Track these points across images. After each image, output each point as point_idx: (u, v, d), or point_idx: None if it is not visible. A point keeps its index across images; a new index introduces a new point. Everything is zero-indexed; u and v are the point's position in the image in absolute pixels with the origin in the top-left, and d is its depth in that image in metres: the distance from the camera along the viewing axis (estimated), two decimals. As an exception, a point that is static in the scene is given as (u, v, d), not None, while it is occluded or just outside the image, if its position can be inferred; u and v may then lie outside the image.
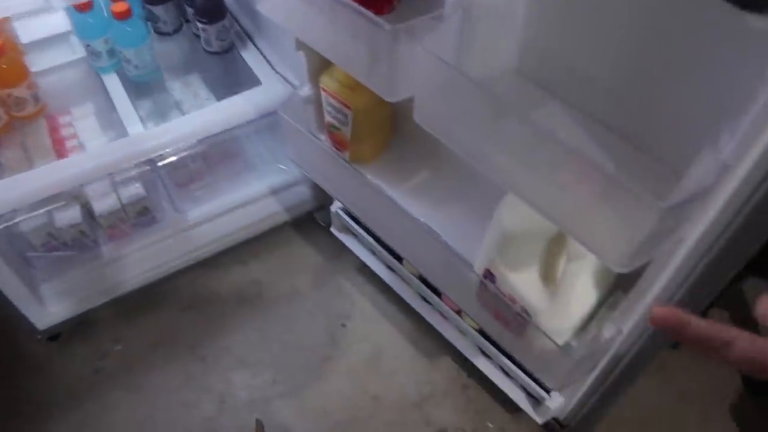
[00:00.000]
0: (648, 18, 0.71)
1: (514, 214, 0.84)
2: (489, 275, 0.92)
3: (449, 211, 1.06)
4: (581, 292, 0.86)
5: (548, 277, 0.89)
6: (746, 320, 1.28)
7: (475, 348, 1.19)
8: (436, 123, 0.78)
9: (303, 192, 1.42)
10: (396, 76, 0.79)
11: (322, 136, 1.14)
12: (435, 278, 1.12)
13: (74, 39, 1.35)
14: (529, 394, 1.13)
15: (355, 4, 0.76)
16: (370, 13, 0.75)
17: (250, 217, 1.38)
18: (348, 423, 1.20)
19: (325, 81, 1.01)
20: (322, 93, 1.03)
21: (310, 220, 1.46)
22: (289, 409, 1.21)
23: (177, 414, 1.21)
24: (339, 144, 1.09)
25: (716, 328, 0.33)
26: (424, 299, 1.26)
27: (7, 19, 1.24)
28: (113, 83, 1.29)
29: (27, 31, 1.32)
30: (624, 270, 0.67)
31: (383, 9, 0.86)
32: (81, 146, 1.29)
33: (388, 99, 0.81)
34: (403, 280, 1.29)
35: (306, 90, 1.07)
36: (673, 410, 1.22)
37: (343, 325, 1.33)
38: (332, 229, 1.36)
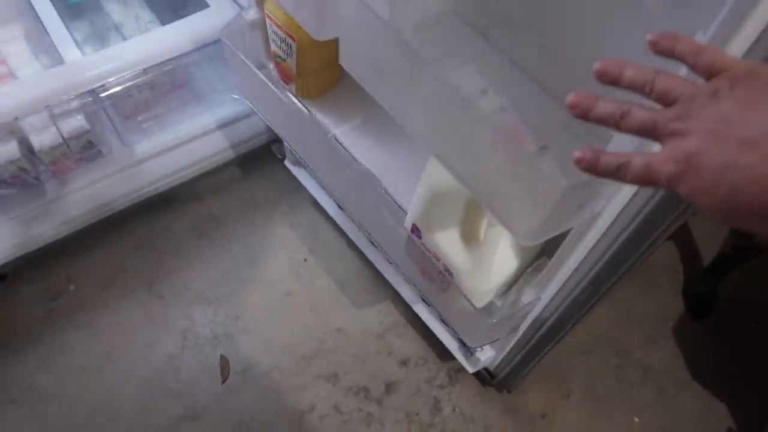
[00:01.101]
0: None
1: (441, 170, 0.82)
2: (416, 230, 0.92)
3: (396, 153, 1.02)
4: (503, 256, 0.86)
5: (471, 237, 0.89)
6: (693, 253, 1.32)
7: (416, 294, 1.19)
8: (360, 69, 0.74)
9: (258, 123, 1.36)
10: (323, 13, 0.73)
11: (271, 65, 1.06)
12: (367, 225, 1.10)
13: (-9, -51, 1.20)
14: (463, 344, 1.15)
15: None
16: None
17: (203, 150, 1.32)
18: (313, 356, 1.21)
19: (270, 7, 0.93)
20: (267, 20, 0.95)
21: (267, 153, 1.41)
22: (253, 344, 1.22)
23: (138, 352, 1.20)
24: (285, 76, 1.03)
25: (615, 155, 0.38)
26: (371, 241, 1.25)
27: None
28: (42, 3, 1.16)
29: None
30: (530, 243, 0.66)
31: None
32: (11, 74, 1.18)
33: (314, 37, 0.76)
34: (351, 219, 1.27)
35: (252, 13, 0.98)
36: (621, 333, 1.29)
37: (305, 260, 1.32)
38: (286, 163, 1.32)
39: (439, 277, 0.93)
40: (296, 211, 1.38)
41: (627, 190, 0.66)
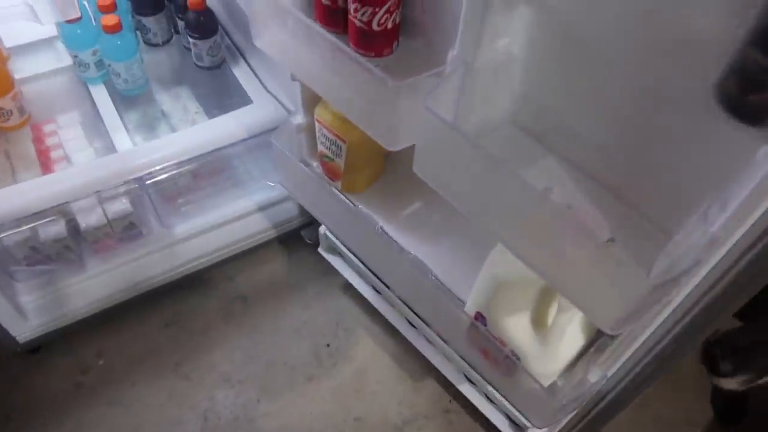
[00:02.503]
0: (642, 92, 0.72)
1: (507, 261, 0.86)
2: (480, 318, 0.94)
3: (442, 243, 1.07)
4: (570, 340, 0.89)
5: (539, 323, 0.91)
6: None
7: (460, 374, 1.21)
8: (435, 176, 0.79)
9: (290, 209, 1.41)
10: (397, 128, 0.79)
11: (314, 163, 1.13)
12: (423, 312, 1.13)
13: (60, 45, 1.32)
14: (512, 421, 1.15)
15: (359, 56, 0.76)
16: (373, 67, 0.74)
17: (237, 233, 1.38)
18: (331, 444, 1.21)
19: (320, 112, 1.01)
20: (317, 123, 1.02)
21: (297, 237, 1.46)
22: (272, 428, 1.22)
23: (161, 431, 1.21)
24: (331, 173, 1.09)
25: None
26: (410, 323, 1.27)
27: (-9, 26, 1.21)
28: (101, 94, 1.26)
29: (11, 35, 1.29)
30: (615, 332, 0.69)
31: (382, 52, 0.86)
32: (67, 158, 1.26)
33: (388, 148, 0.82)
34: (389, 303, 1.30)
35: (299, 118, 1.06)
36: (647, 437, 1.26)
37: (328, 345, 1.34)
38: (320, 250, 1.36)
39: (505, 362, 0.95)
40: (322, 297, 1.41)
41: (696, 279, 0.69)
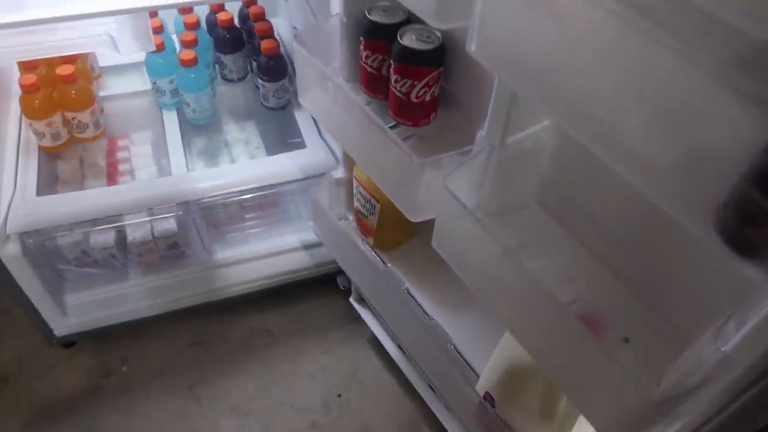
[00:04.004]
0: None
1: (519, 346, 0.83)
2: (489, 398, 0.92)
3: (467, 312, 1.05)
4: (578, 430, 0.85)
5: (546, 414, 0.87)
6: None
7: None
8: (450, 252, 0.79)
9: (329, 253, 1.43)
10: (419, 201, 0.80)
11: (350, 217, 1.15)
12: (434, 378, 1.11)
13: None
14: None
15: (389, 129, 0.78)
16: (401, 142, 0.76)
17: (275, 267, 1.41)
18: (320, 499, 1.19)
19: (358, 171, 1.03)
20: (354, 181, 1.05)
21: (332, 282, 1.47)
22: (267, 469, 1.22)
23: (162, 448, 1.24)
24: (364, 229, 1.11)
25: None
26: (431, 387, 1.24)
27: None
28: (171, 119, 1.36)
29: (108, 55, 1.40)
30: None
31: (419, 122, 0.88)
32: (132, 172, 1.35)
33: (410, 218, 0.82)
34: (414, 363, 1.27)
35: (339, 172, 1.09)
36: None
37: (339, 396, 1.33)
38: (351, 300, 1.37)
39: None
40: (345, 345, 1.41)
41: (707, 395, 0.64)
